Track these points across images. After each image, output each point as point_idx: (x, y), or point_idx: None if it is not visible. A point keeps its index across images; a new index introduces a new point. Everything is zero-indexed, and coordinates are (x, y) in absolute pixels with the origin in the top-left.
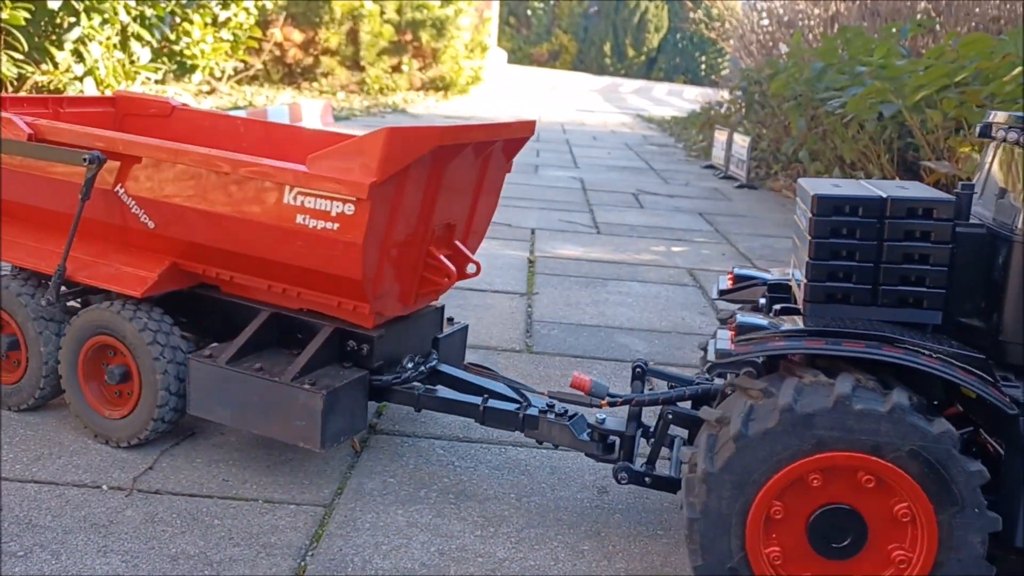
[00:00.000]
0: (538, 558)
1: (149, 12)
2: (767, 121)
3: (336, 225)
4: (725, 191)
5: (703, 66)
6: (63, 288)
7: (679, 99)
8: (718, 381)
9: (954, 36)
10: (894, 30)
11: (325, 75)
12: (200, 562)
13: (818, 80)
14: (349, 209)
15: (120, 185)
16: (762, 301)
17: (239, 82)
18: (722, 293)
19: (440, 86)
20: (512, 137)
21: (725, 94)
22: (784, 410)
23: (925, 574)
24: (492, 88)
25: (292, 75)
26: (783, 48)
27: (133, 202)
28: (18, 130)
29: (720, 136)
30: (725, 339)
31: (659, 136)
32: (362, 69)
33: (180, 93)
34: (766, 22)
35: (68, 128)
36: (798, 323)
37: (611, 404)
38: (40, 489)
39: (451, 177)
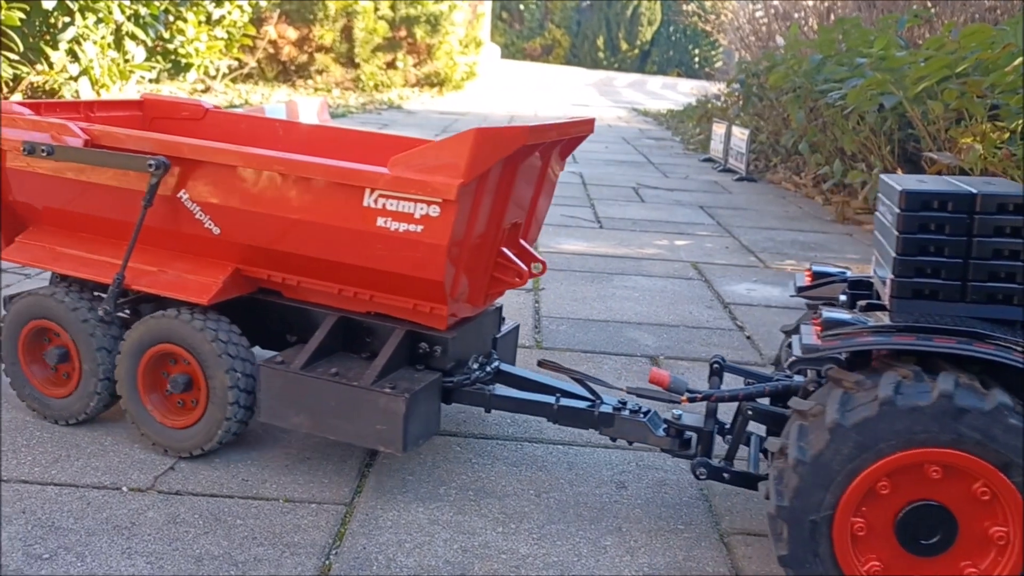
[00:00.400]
0: (560, 554)
1: (143, 11)
2: (765, 113)
3: (420, 227)
4: (725, 184)
5: (696, 59)
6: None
7: (674, 92)
8: (798, 378)
9: (952, 27)
10: (891, 21)
11: (319, 72)
12: (225, 562)
13: (816, 72)
14: (434, 211)
15: (183, 191)
16: (842, 298)
17: (234, 80)
18: (800, 290)
19: (435, 82)
20: (576, 135)
21: (722, 87)
22: (943, 395)
23: None
24: (486, 83)
25: (287, 72)
26: (779, 40)
27: (198, 208)
28: (73, 135)
29: (718, 129)
30: (809, 334)
31: (656, 130)
32: (356, 66)
33: (175, 92)
34: (760, 14)
35: (126, 133)
36: (884, 319)
37: (691, 400)
38: (60, 491)
39: (521, 176)
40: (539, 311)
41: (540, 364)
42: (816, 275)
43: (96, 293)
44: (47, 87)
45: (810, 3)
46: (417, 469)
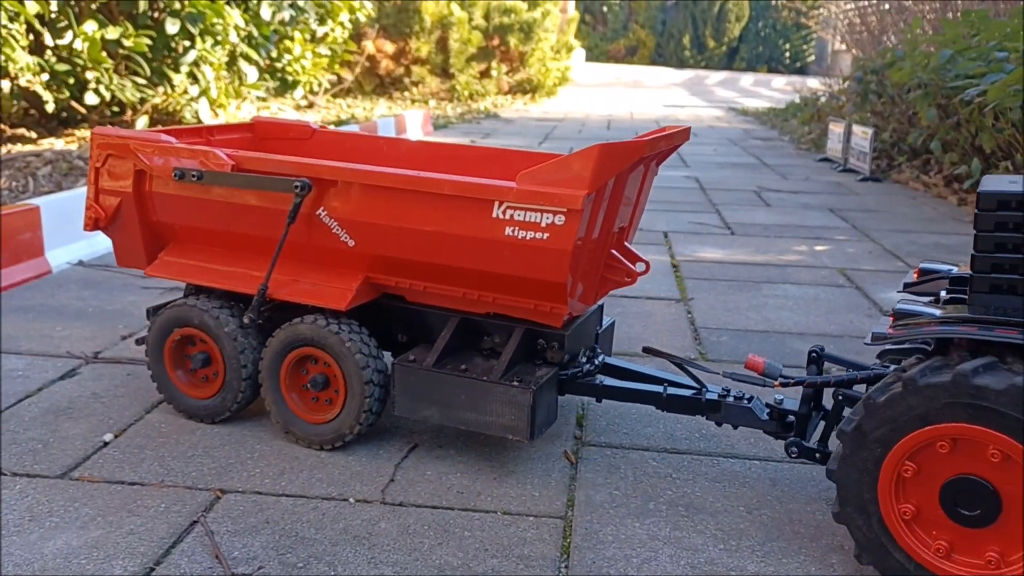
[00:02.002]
0: (789, 571)
1: (255, 32)
2: (885, 111)
3: (546, 235)
4: (849, 185)
5: (788, 54)
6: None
7: (767, 89)
8: (893, 367)
9: None
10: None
11: (415, 84)
12: (466, 574)
13: (946, 68)
14: (559, 220)
15: (322, 208)
16: (943, 293)
17: (334, 95)
18: (907, 286)
19: (527, 89)
20: (676, 145)
21: (831, 83)
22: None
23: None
24: (576, 87)
25: (383, 85)
26: (891, 34)
27: (335, 223)
28: (221, 162)
29: (835, 128)
30: (884, 325)
31: (759, 129)
32: (451, 76)
33: (283, 108)
34: (864, 4)
35: (270, 158)
36: (962, 311)
37: (784, 384)
38: (295, 503)
39: (629, 184)
40: (694, 322)
41: (644, 350)
42: (923, 272)
43: (232, 303)
44: (168, 108)
45: None
46: (621, 484)
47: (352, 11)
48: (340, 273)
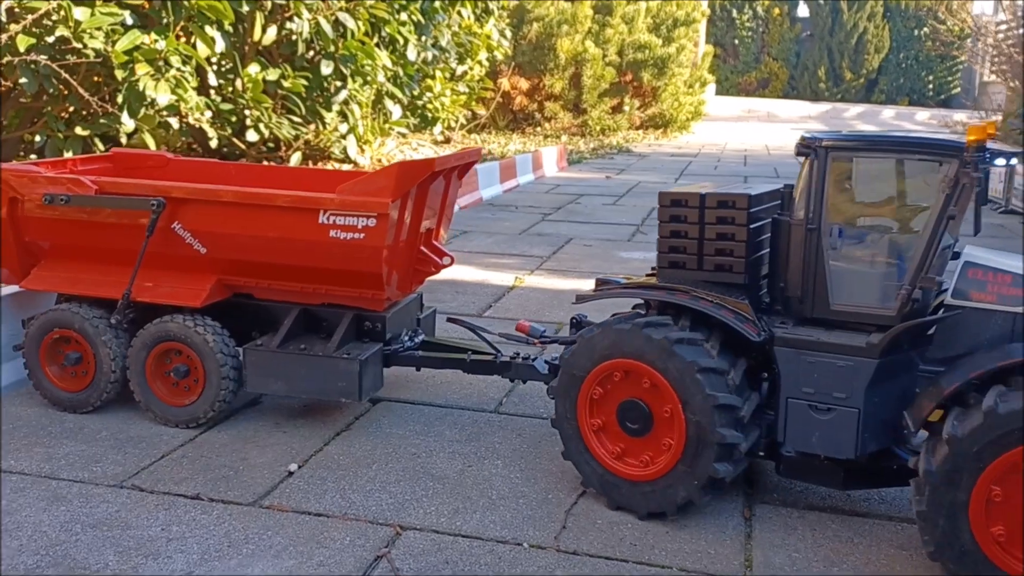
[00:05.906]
0: None
1: (401, 72)
2: None
3: (362, 235)
4: (1013, 228)
5: (931, 86)
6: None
7: (911, 123)
8: None
9: None
10: None
11: (547, 119)
12: None
13: None
14: (372, 222)
15: (176, 222)
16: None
17: (469, 131)
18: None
19: (659, 123)
20: (469, 161)
21: (983, 116)
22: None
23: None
24: (707, 119)
25: (516, 121)
26: None
27: (188, 234)
28: (86, 187)
29: None
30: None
31: None
32: (583, 111)
33: (422, 144)
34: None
35: (129, 182)
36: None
37: (542, 343)
38: (471, 544)
39: (431, 194)
40: None
41: (448, 320)
42: (601, 282)
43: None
44: (320, 145)
45: None
46: (799, 545)
47: (490, 49)
48: (195, 276)
